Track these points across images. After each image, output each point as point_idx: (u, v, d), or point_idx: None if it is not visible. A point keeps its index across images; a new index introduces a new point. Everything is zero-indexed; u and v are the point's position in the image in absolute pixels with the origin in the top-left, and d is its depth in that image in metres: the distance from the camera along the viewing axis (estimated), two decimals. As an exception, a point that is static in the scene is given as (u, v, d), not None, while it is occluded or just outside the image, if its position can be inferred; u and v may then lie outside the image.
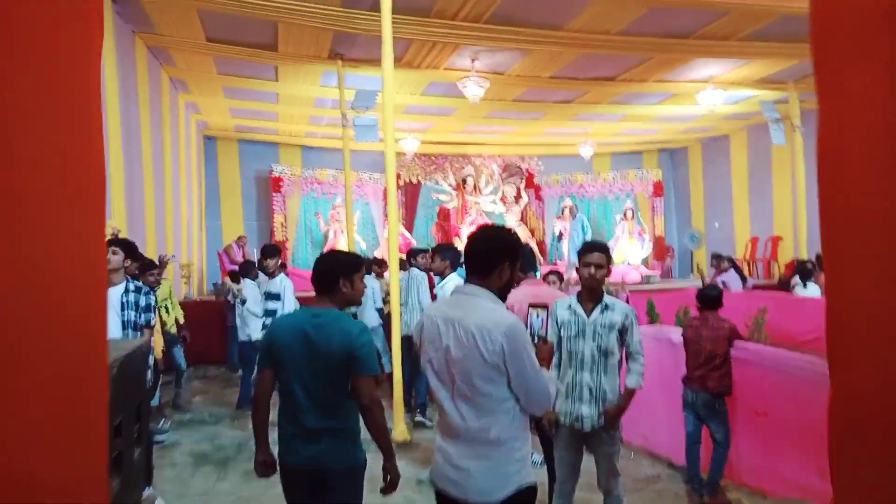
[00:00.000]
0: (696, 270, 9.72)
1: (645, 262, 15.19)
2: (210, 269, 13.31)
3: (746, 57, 9.11)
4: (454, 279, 5.80)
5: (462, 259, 5.21)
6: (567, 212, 15.28)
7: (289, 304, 6.54)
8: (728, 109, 12.00)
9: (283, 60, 9.10)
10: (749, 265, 13.21)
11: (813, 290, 8.12)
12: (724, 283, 9.29)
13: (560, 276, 7.20)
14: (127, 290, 4.21)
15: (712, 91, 10.06)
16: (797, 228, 11.19)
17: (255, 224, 14.48)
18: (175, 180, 10.40)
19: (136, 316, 4.18)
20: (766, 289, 10.08)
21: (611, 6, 7.31)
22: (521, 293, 3.98)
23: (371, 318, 7.53)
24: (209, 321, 9.58)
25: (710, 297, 4.34)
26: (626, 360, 3.53)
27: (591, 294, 3.46)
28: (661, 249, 15.78)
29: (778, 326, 8.21)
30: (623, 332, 3.44)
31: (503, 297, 2.30)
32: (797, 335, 7.68)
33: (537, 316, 2.46)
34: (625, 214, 15.15)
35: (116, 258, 4.17)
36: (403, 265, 8.77)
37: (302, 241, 14.49)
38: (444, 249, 6.15)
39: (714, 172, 15.87)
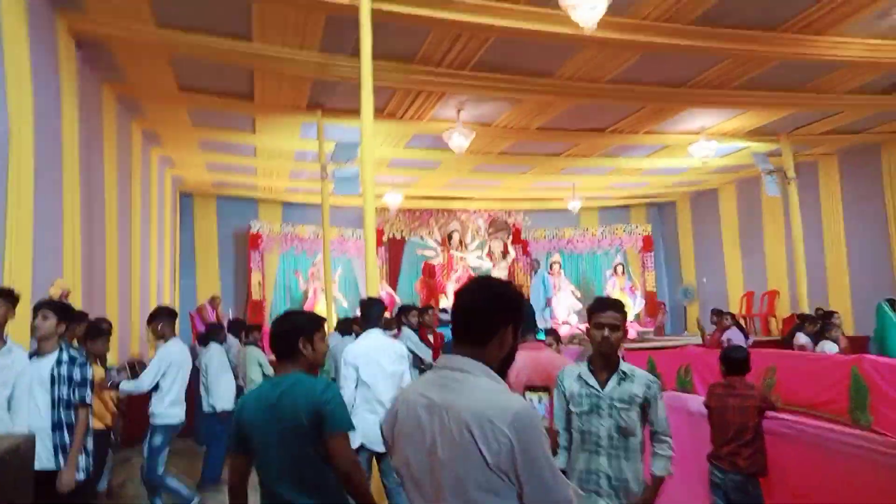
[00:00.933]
0: (697, 326, 9.25)
1: (637, 319, 14.79)
2: (184, 331, 12.55)
3: (741, 107, 8.90)
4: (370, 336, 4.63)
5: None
6: (556, 267, 14.90)
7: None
8: (718, 162, 11.80)
9: (260, 111, 8.77)
10: (746, 321, 12.76)
11: (828, 348, 7.61)
12: (728, 340, 8.81)
13: (557, 335, 6.69)
14: (59, 362, 3.59)
15: (705, 142, 9.81)
16: (796, 282, 10.80)
17: (232, 282, 13.93)
18: (145, 237, 9.84)
19: (68, 393, 3.56)
20: (768, 345, 9.59)
21: (603, 52, 7.03)
22: (520, 361, 3.43)
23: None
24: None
25: (736, 361, 3.81)
26: (651, 441, 2.96)
27: (606, 361, 2.91)
28: (653, 305, 15.40)
29: (788, 387, 7.66)
30: (645, 407, 2.88)
31: (504, 373, 1.74)
32: (811, 396, 7.13)
33: (539, 401, 1.91)
34: (615, 270, 14.90)
35: (47, 323, 3.57)
36: (390, 324, 8.27)
37: (280, 300, 13.99)
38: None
39: (704, 227, 15.64)
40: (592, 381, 2.90)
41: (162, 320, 5.24)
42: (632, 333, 13.32)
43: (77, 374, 3.61)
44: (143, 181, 9.70)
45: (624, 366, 2.89)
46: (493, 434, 1.54)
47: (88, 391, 3.64)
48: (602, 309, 2.87)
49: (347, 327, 7.38)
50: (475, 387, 1.64)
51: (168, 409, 4.98)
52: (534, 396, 1.90)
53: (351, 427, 2.47)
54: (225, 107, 8.53)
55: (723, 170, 12.99)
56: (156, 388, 5.03)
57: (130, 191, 9.07)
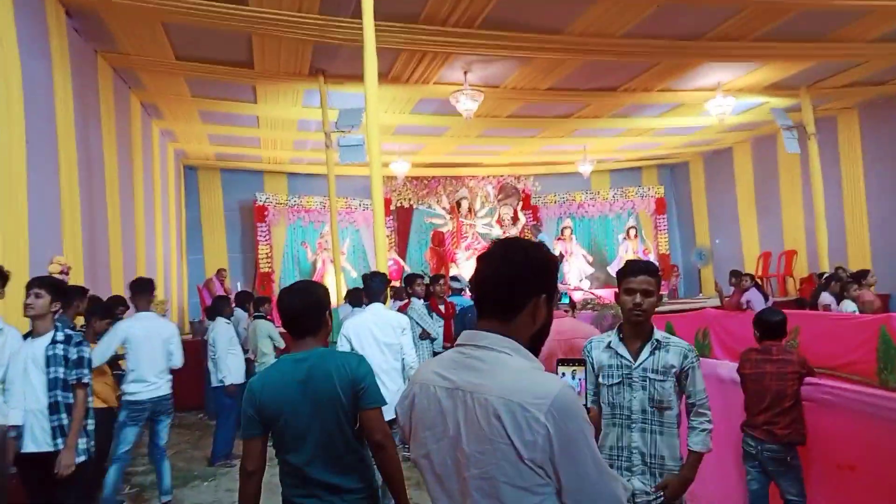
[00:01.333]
0: (715, 288, 9.01)
1: None
2: (191, 306, 12.53)
3: (759, 60, 8.53)
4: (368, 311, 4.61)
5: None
6: (568, 233, 14.71)
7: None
8: (734, 120, 11.43)
9: (260, 79, 8.49)
10: (762, 282, 12.50)
11: (848, 307, 7.37)
12: (747, 302, 8.59)
13: (572, 302, 6.48)
14: (54, 342, 3.41)
15: (722, 99, 9.44)
16: (815, 241, 10.50)
17: (240, 256, 13.82)
18: (149, 212, 9.65)
19: (65, 373, 3.38)
20: (788, 306, 9.35)
21: (616, 5, 6.70)
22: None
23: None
24: (186, 363, 8.74)
25: (772, 324, 3.57)
26: (687, 414, 2.75)
27: (638, 330, 2.69)
28: (666, 268, 15.09)
29: (810, 348, 7.45)
30: (681, 378, 2.67)
31: (537, 350, 1.50)
32: (833, 357, 6.91)
33: (573, 376, 1.69)
34: (627, 233, 14.64)
35: (40, 302, 3.39)
36: (400, 294, 8.11)
37: (289, 272, 13.84)
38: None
39: (718, 187, 15.30)
40: (623, 350, 2.69)
41: (133, 293, 5.02)
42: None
43: (73, 354, 3.43)
44: (144, 155, 9.47)
45: (658, 334, 2.67)
46: (526, 422, 1.31)
47: (86, 371, 3.47)
48: (634, 273, 2.64)
49: (358, 298, 7.20)
50: (504, 366, 1.40)
51: (129, 386, 4.79)
52: (567, 371, 1.67)
53: (384, 401, 2.44)
54: (224, 75, 8.27)
55: (738, 127, 12.63)
56: None
57: (132, 165, 8.85)
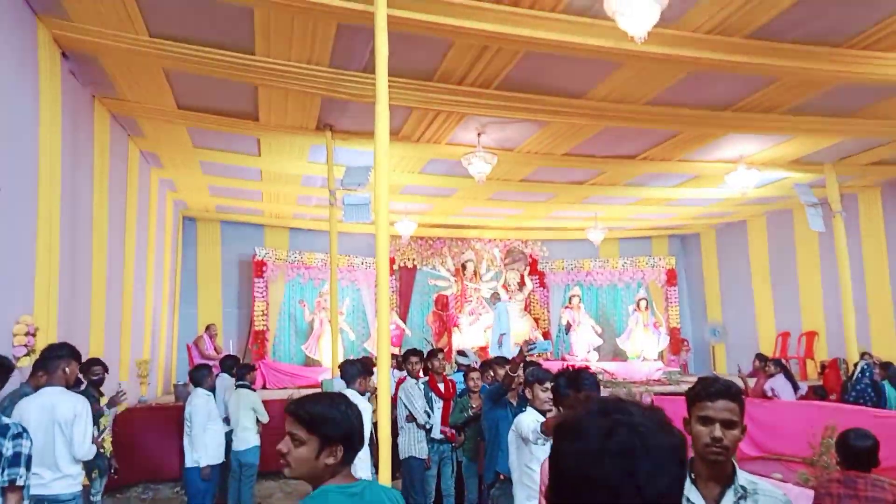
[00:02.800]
0: (739, 375, 8.37)
1: (660, 356, 14.10)
2: (181, 365, 11.86)
3: (788, 132, 8.14)
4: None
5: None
6: (576, 301, 14.29)
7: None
8: (752, 193, 11.01)
9: (265, 132, 8.13)
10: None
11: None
12: (772, 389, 7.97)
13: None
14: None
15: (745, 171, 9.03)
16: (837, 322, 9.90)
17: (235, 311, 13.32)
18: (140, 263, 9.14)
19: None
20: (808, 395, 8.69)
21: (644, 71, 6.30)
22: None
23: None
24: (166, 429, 8.11)
25: (859, 452, 2.93)
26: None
27: (716, 471, 2.06)
28: (676, 342, 14.52)
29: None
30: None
31: None
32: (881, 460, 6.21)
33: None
34: (638, 305, 14.16)
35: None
36: (402, 363, 7.60)
37: (285, 330, 13.38)
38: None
39: (730, 261, 14.84)
40: (697, 497, 2.05)
41: (40, 361, 4.04)
42: (655, 375, 12.59)
43: (8, 448, 2.80)
44: (140, 204, 9.02)
45: (742, 476, 2.04)
46: None
47: (20, 471, 2.83)
48: (711, 396, 2.04)
49: (352, 373, 6.62)
50: None
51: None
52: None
53: None
54: (228, 127, 7.91)
55: (754, 201, 12.24)
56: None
57: (125, 214, 8.38)
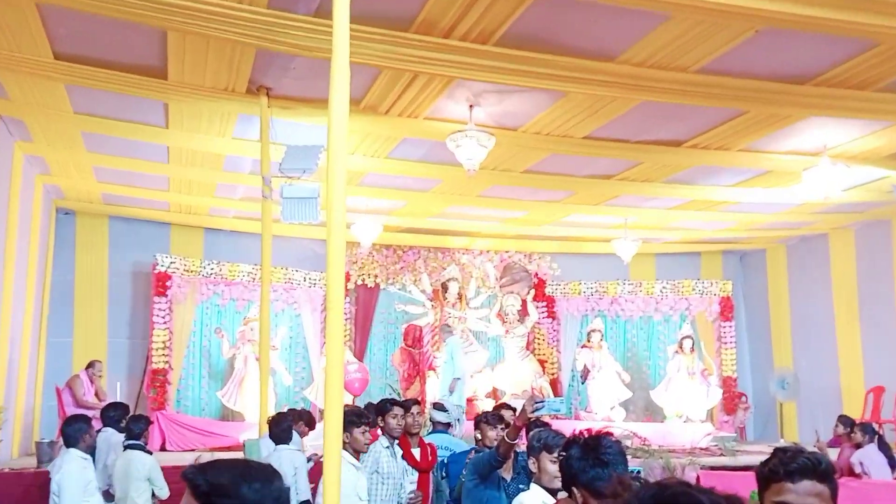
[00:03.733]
0: (816, 444, 8.45)
1: (709, 415, 14.43)
2: (47, 414, 11.72)
3: (887, 118, 8.29)
4: None
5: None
6: (597, 338, 14.48)
7: None
8: (837, 197, 11.18)
9: (176, 94, 8.14)
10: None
11: None
12: (861, 464, 8.13)
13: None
14: None
15: (829, 167, 9.15)
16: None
17: (126, 343, 13.37)
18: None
19: None
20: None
21: (696, 29, 6.36)
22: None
23: None
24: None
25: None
26: None
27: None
28: (731, 398, 14.70)
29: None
30: None
31: None
32: None
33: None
34: (680, 346, 14.36)
35: None
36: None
37: (195, 371, 13.44)
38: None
39: (806, 288, 15.10)
40: None
41: None
42: (703, 441, 12.74)
43: None
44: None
45: None
46: None
47: None
48: (792, 475, 2.07)
49: (286, 431, 6.68)
50: None
51: None
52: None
53: None
54: (124, 85, 7.86)
55: (839, 208, 12.43)
56: None
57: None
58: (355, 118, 7.54)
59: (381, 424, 6.11)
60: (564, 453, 2.95)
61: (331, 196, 5.11)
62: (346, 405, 7.99)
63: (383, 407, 6.15)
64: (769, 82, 7.50)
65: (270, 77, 7.74)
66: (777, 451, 2.18)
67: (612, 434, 3.10)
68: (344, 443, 5.06)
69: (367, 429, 5.53)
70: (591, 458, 2.73)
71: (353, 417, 5.39)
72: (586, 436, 2.92)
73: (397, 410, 6.07)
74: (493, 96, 8.10)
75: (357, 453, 5.43)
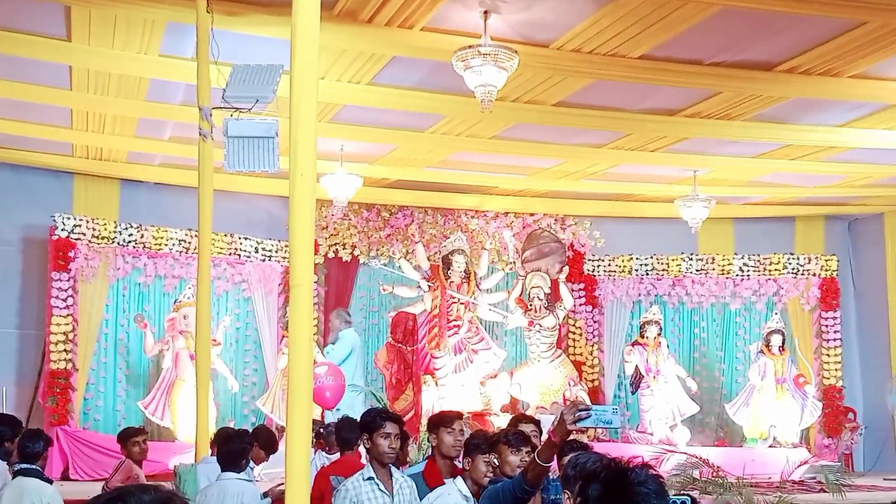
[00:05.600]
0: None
1: (805, 438, 14.51)
2: None
3: None
4: None
5: None
6: (654, 332, 14.58)
7: None
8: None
9: None
10: None
11: None
12: None
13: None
14: None
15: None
16: None
17: (14, 334, 13.44)
18: None
19: None
20: None
21: None
22: None
23: None
24: None
25: None
26: None
27: None
28: (836, 415, 14.72)
29: None
30: None
31: None
32: None
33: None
34: (767, 344, 14.46)
35: None
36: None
37: (108, 373, 13.57)
38: None
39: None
40: None
41: None
42: (797, 473, 12.86)
43: None
44: None
45: None
46: None
47: None
48: None
49: (237, 453, 6.69)
50: None
51: None
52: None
53: None
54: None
55: None
56: None
57: None
58: (327, 29, 7.53)
59: (367, 446, 6.12)
60: (583, 487, 2.91)
61: (295, 135, 5.11)
62: (313, 421, 8.09)
63: (371, 422, 6.13)
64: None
65: (212, -28, 7.75)
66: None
67: (650, 466, 3.02)
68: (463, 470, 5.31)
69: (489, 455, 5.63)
70: (613, 497, 2.70)
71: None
72: (611, 468, 2.85)
73: (390, 428, 6.06)
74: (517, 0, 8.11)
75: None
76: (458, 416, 6.38)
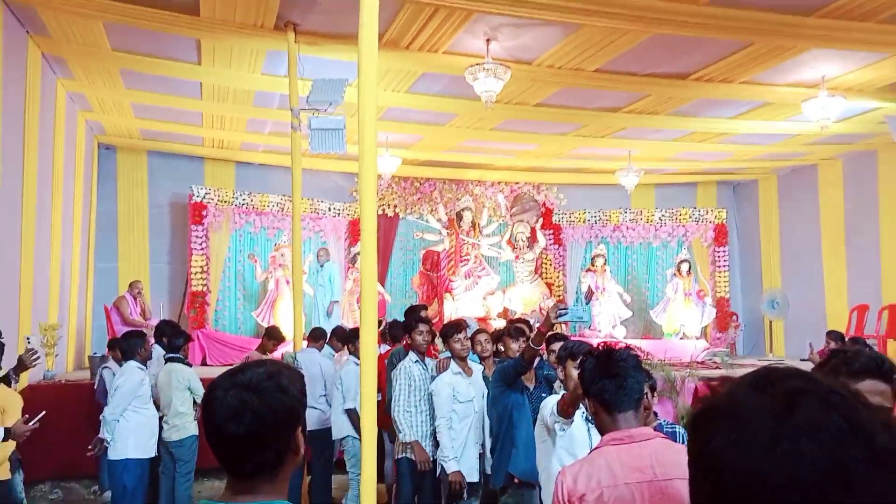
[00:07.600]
0: (809, 355, 8.34)
1: (704, 333, 14.38)
2: (97, 332, 11.75)
3: (883, 49, 7.97)
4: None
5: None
6: (601, 263, 14.41)
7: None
8: (829, 129, 10.87)
9: (208, 31, 7.88)
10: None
11: None
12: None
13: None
14: None
15: (827, 99, 8.82)
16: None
17: (166, 267, 13.28)
18: (44, 202, 8.88)
19: None
20: None
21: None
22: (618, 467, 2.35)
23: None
24: (78, 414, 7.99)
25: None
26: None
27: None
28: (724, 317, 14.68)
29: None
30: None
31: None
32: None
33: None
34: (678, 269, 14.29)
35: None
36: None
37: (231, 293, 13.39)
38: None
39: (795, 215, 14.83)
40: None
41: None
42: (702, 356, 12.75)
43: None
44: (43, 125, 8.72)
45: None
46: None
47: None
48: (854, 375, 1.93)
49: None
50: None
51: None
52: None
53: None
54: (158, 22, 7.59)
55: (829, 139, 12.07)
56: None
57: (24, 137, 8.07)
58: (378, 53, 7.32)
59: (409, 341, 6.04)
60: (581, 364, 2.80)
61: (364, 124, 4.97)
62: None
63: (411, 324, 6.08)
64: (777, 14, 7.16)
65: (297, 13, 7.45)
66: (834, 352, 2.03)
67: (630, 347, 2.94)
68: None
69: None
70: (601, 370, 2.58)
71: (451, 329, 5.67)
72: (601, 349, 2.74)
73: (423, 328, 6.01)
74: (510, 30, 7.80)
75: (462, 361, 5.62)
76: (422, 320, 6.46)
